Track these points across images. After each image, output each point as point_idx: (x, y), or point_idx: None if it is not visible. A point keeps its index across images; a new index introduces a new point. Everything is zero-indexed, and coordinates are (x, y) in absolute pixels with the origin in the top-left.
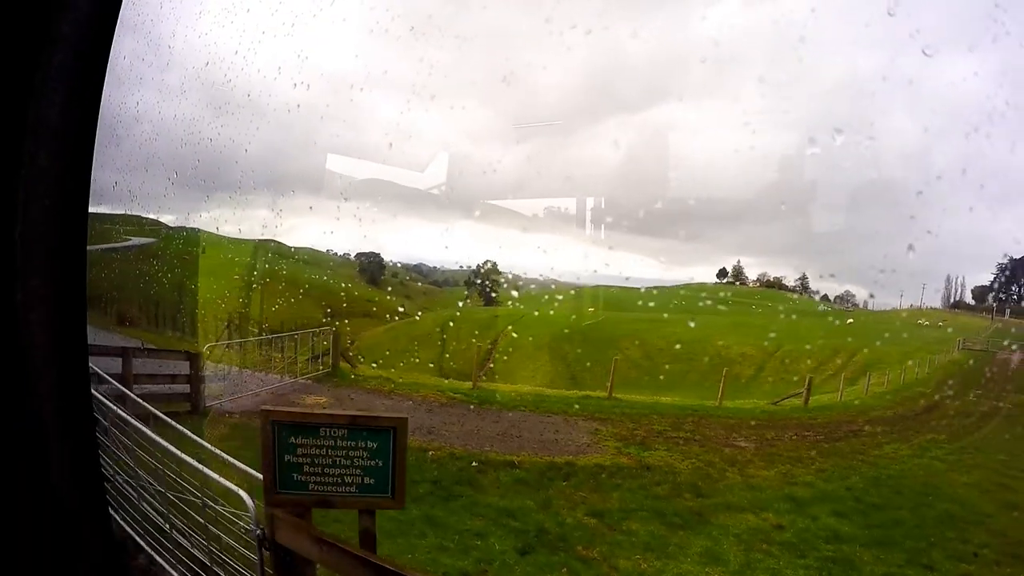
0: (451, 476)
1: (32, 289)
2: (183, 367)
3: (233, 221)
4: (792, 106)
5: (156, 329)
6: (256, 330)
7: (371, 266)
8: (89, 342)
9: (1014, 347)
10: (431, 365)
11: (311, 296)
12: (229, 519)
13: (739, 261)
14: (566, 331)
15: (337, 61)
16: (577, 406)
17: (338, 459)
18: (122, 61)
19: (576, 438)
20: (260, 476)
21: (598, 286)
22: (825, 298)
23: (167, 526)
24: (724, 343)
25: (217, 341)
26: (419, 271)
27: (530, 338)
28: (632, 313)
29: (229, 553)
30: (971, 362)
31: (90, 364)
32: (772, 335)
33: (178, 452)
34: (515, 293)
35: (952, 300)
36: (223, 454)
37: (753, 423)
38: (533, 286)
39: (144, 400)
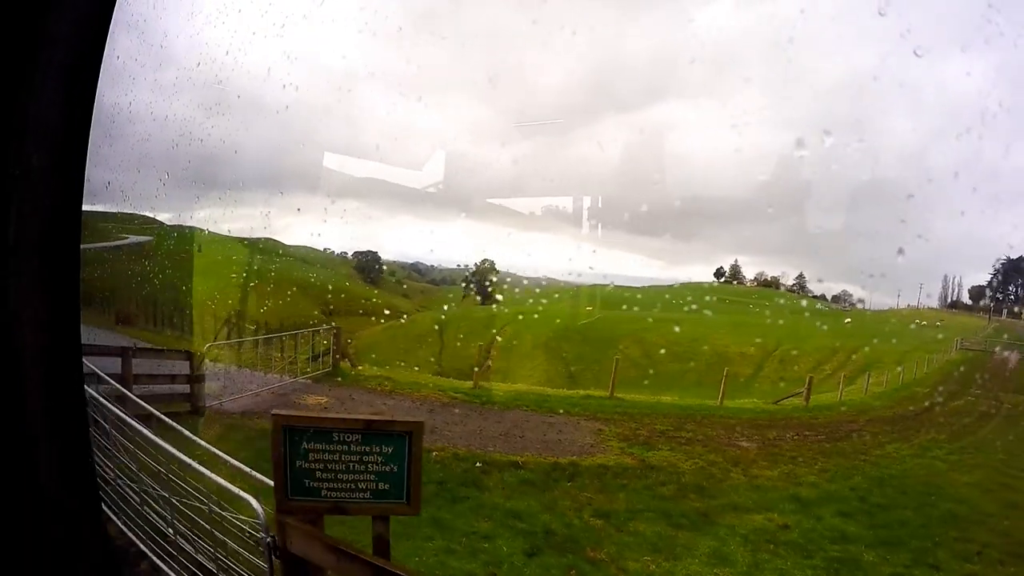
0: (456, 477)
1: (26, 288)
2: (182, 367)
3: (227, 220)
4: (790, 105)
5: (153, 328)
6: (252, 327)
7: (368, 265)
8: (88, 342)
9: (1012, 347)
10: (432, 361)
11: (308, 295)
12: (236, 526)
13: (736, 260)
14: (564, 330)
15: (328, 61)
16: (578, 408)
17: (352, 464)
18: (115, 61)
19: (579, 438)
20: (267, 480)
21: (595, 285)
22: (822, 298)
23: (171, 532)
24: (722, 342)
25: (216, 340)
26: (416, 270)
27: (528, 337)
28: (629, 312)
29: (236, 560)
30: (969, 362)
31: (90, 365)
32: (770, 335)
33: (182, 455)
34: (514, 291)
35: (949, 300)
36: (229, 458)
37: (754, 423)
38: (526, 282)
39: (144, 400)
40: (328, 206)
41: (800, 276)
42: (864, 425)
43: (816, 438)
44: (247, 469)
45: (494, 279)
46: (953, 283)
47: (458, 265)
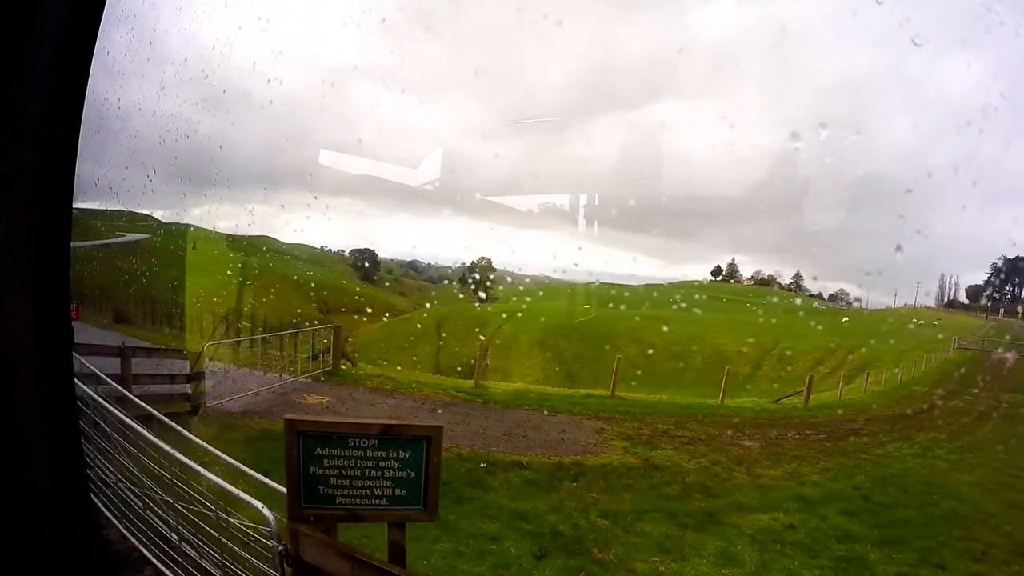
0: (460, 478)
1: (16, 286)
2: (182, 366)
3: (221, 217)
4: (788, 104)
5: (151, 327)
6: (249, 325)
7: (365, 263)
8: (87, 341)
9: (1010, 347)
10: (430, 359)
11: (305, 293)
12: (246, 533)
13: (734, 259)
14: (561, 328)
15: (316, 56)
16: (579, 407)
17: (368, 470)
18: (105, 57)
19: (582, 437)
20: (276, 486)
21: (592, 283)
22: (820, 296)
23: (175, 538)
24: (720, 341)
25: (213, 339)
26: (413, 267)
27: (525, 335)
28: (627, 310)
29: (245, 568)
30: (967, 362)
31: (89, 365)
32: (767, 334)
33: (186, 459)
34: (512, 289)
35: (946, 299)
36: (236, 462)
37: (755, 422)
38: (528, 280)
39: (144, 400)
40: (326, 203)
41: (797, 275)
42: (864, 424)
43: (817, 437)
44: (255, 474)
45: (491, 277)
46: (950, 282)
47: (455, 263)
